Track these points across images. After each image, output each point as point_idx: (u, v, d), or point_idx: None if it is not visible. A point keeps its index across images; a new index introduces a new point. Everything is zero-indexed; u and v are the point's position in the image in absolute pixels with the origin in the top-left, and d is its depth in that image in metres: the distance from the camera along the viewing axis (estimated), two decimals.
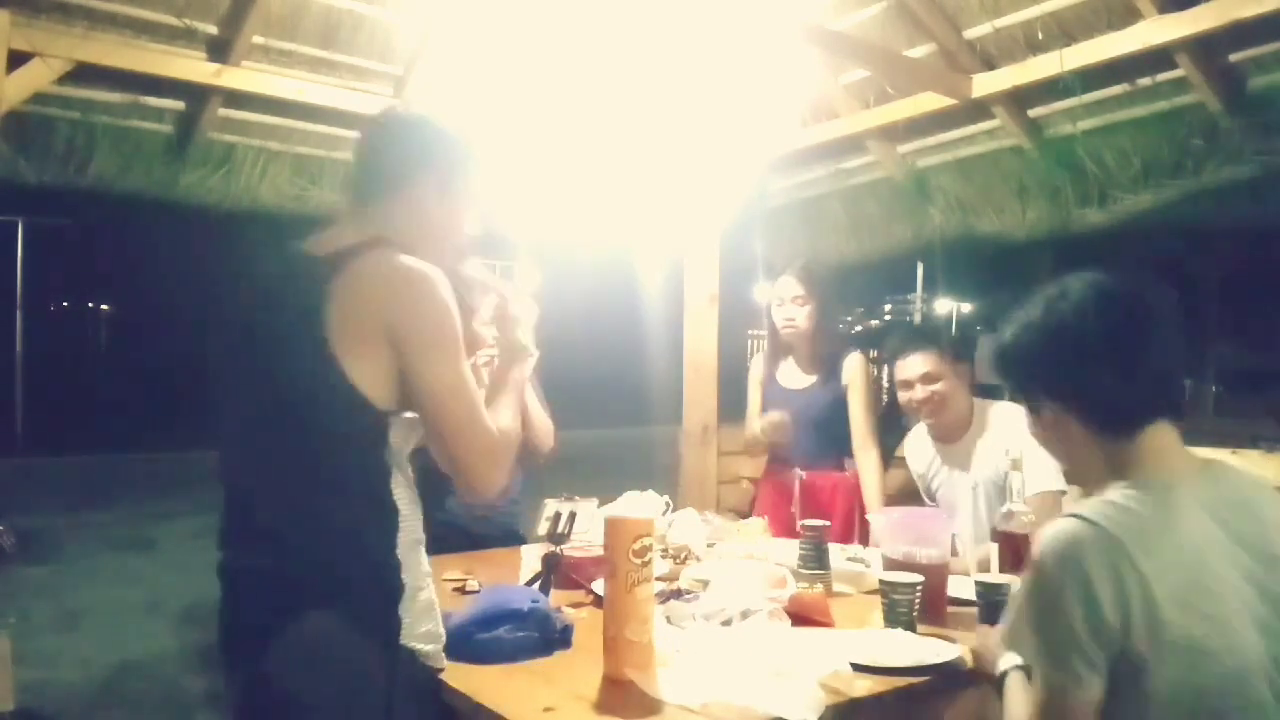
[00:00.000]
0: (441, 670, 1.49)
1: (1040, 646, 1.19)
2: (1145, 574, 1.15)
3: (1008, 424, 2.40)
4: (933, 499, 2.64)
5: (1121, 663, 1.17)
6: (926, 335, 2.71)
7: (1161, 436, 1.27)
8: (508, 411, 1.52)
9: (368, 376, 1.35)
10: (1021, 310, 1.38)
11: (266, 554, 1.38)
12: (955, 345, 2.53)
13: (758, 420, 3.03)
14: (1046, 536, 1.21)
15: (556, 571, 2.07)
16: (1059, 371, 1.32)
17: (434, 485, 1.60)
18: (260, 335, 1.42)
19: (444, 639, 1.50)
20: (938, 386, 2.48)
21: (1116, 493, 1.23)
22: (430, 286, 1.38)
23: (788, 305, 2.95)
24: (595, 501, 2.37)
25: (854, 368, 2.91)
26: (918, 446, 2.69)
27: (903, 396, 2.53)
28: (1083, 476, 1.38)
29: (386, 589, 1.39)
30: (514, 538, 2.74)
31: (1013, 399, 1.44)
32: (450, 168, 1.55)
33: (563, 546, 2.21)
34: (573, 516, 2.29)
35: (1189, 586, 1.17)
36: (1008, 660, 1.38)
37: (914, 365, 2.50)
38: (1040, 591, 1.19)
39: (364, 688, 1.36)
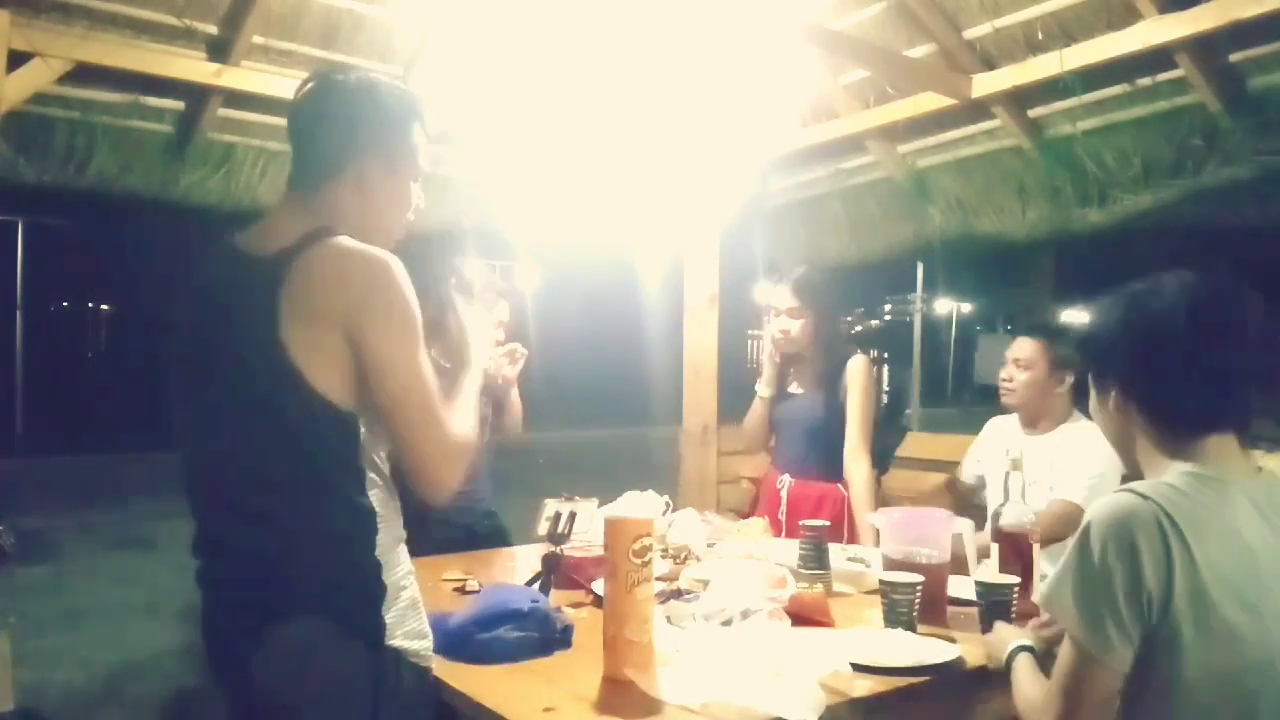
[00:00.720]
0: (429, 669, 1.47)
1: (1077, 608, 1.19)
2: (1194, 553, 1.16)
3: (1085, 444, 2.53)
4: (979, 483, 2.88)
5: (1156, 640, 1.17)
6: (1047, 329, 2.85)
7: (1222, 444, 1.28)
8: (464, 417, 1.45)
9: (328, 378, 1.30)
10: (1113, 297, 1.37)
11: (245, 563, 1.37)
12: (1067, 350, 2.64)
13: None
14: (1099, 505, 1.21)
15: (556, 571, 2.08)
16: (1135, 368, 1.32)
17: None
18: (215, 346, 1.37)
19: (430, 636, 1.47)
20: (1024, 375, 2.69)
21: (1173, 476, 1.24)
22: (384, 271, 1.32)
23: (782, 317, 2.85)
24: (595, 502, 2.37)
25: (856, 370, 2.84)
26: (999, 428, 2.88)
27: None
28: (1133, 465, 1.37)
29: (368, 592, 1.36)
30: (499, 534, 2.80)
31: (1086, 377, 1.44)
32: (393, 139, 1.45)
33: (562, 546, 2.21)
34: (573, 516, 2.29)
35: (1237, 574, 1.17)
36: (1015, 641, 1.41)
37: (1017, 347, 2.74)
38: (1085, 555, 1.19)
39: (350, 692, 1.34)
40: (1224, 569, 1.17)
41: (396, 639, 1.39)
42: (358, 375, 1.32)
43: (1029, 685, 1.36)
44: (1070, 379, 2.65)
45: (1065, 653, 1.23)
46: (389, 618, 1.38)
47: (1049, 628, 1.50)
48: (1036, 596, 1.32)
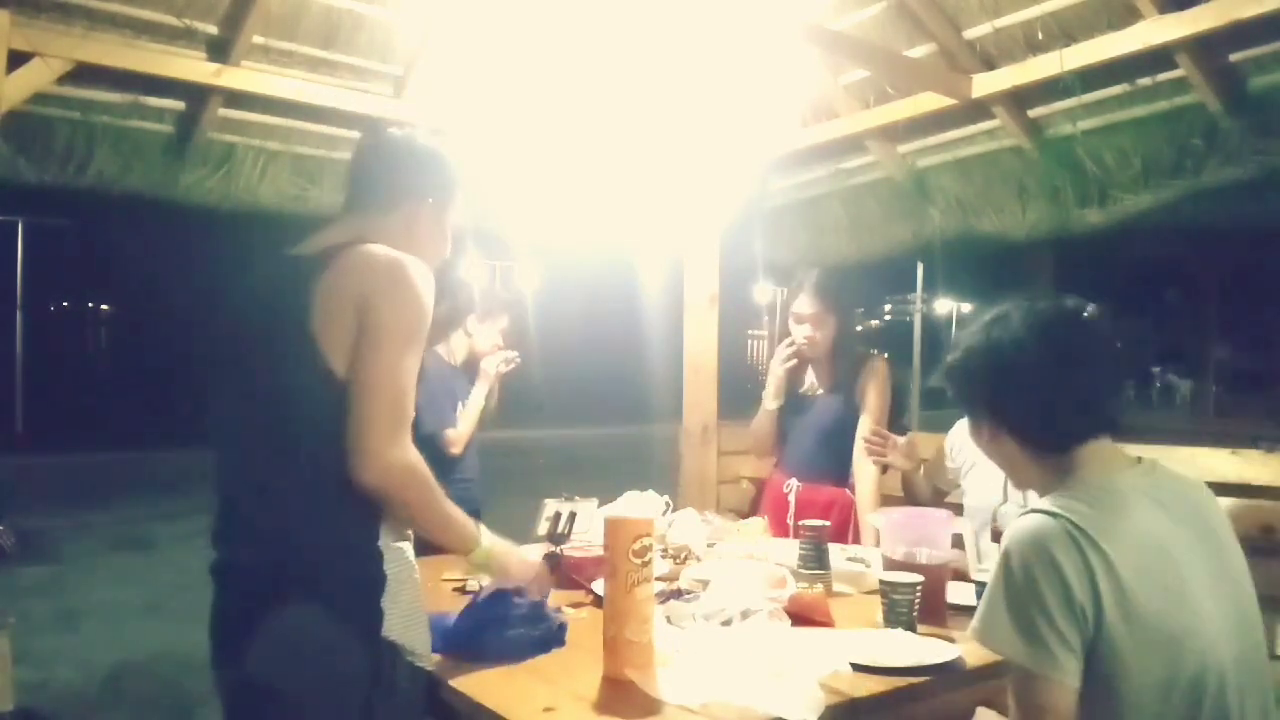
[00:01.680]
0: (425, 672, 1.48)
1: (1016, 632, 1.21)
2: (1108, 555, 1.20)
3: None
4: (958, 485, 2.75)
5: (1098, 652, 1.20)
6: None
7: (1098, 449, 1.34)
8: (408, 442, 1.43)
9: (344, 360, 1.38)
10: (966, 331, 1.45)
11: (252, 546, 1.42)
12: None
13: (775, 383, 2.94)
14: (1013, 530, 1.26)
15: (556, 571, 2.07)
16: (995, 395, 1.39)
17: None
18: (251, 333, 1.46)
19: (430, 639, 1.50)
20: None
21: (1069, 491, 1.29)
22: (406, 274, 1.42)
23: (806, 324, 2.82)
24: (595, 501, 2.37)
25: (874, 372, 2.83)
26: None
27: None
28: (1024, 483, 1.43)
29: (367, 577, 1.41)
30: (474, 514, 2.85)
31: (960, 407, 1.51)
32: (438, 190, 1.65)
33: (562, 546, 2.21)
34: (573, 516, 2.29)
35: (1152, 567, 1.22)
36: None
37: None
38: (1010, 580, 1.23)
39: (344, 677, 1.37)
40: (1139, 565, 1.21)
41: (394, 633, 1.41)
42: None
43: None
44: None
45: (1015, 684, 1.24)
46: (388, 610, 1.41)
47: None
48: (969, 633, 1.31)
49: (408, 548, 1.50)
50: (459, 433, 3.19)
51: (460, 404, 3.23)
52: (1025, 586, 1.20)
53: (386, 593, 1.41)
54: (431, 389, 3.02)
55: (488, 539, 1.59)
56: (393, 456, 1.38)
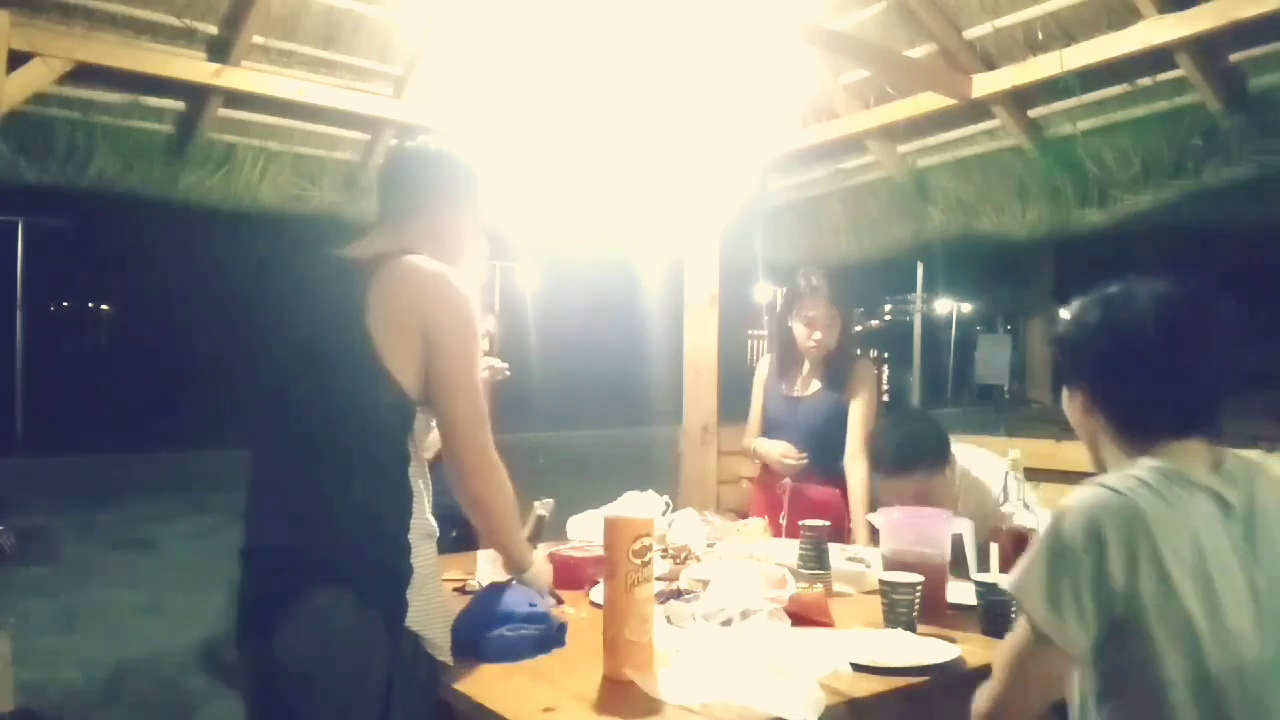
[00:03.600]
0: (445, 666, 1.52)
1: (1043, 589, 1.22)
2: (1159, 545, 1.19)
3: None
4: None
5: (1127, 636, 1.20)
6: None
7: (1185, 448, 1.29)
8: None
9: (402, 367, 1.48)
10: (1085, 301, 1.40)
11: (286, 532, 1.47)
12: None
13: (758, 426, 3.03)
14: (1072, 498, 1.25)
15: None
16: (1098, 375, 1.37)
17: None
18: (304, 328, 1.55)
19: (449, 635, 1.53)
20: None
21: (1141, 470, 1.26)
22: (460, 290, 1.55)
23: (818, 328, 2.86)
24: (551, 503, 2.30)
25: (863, 374, 2.87)
26: None
27: None
28: (1100, 463, 1.41)
29: (395, 567, 1.46)
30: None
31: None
32: (463, 196, 1.74)
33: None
34: (540, 520, 2.25)
35: (1197, 563, 1.20)
36: None
37: None
38: (1053, 541, 1.23)
39: (366, 663, 1.41)
40: (1189, 563, 1.20)
41: (418, 625, 1.46)
42: (424, 372, 1.51)
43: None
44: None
45: (1017, 632, 1.27)
46: (413, 601, 1.45)
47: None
48: (1007, 583, 1.34)
49: (432, 545, 1.54)
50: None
51: None
52: (1067, 557, 1.21)
53: (412, 585, 1.46)
54: None
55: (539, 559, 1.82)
56: (491, 464, 1.58)
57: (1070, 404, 1.42)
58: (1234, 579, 1.22)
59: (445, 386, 1.53)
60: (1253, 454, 2.67)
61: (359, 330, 1.47)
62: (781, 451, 2.88)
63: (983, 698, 1.31)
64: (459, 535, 2.92)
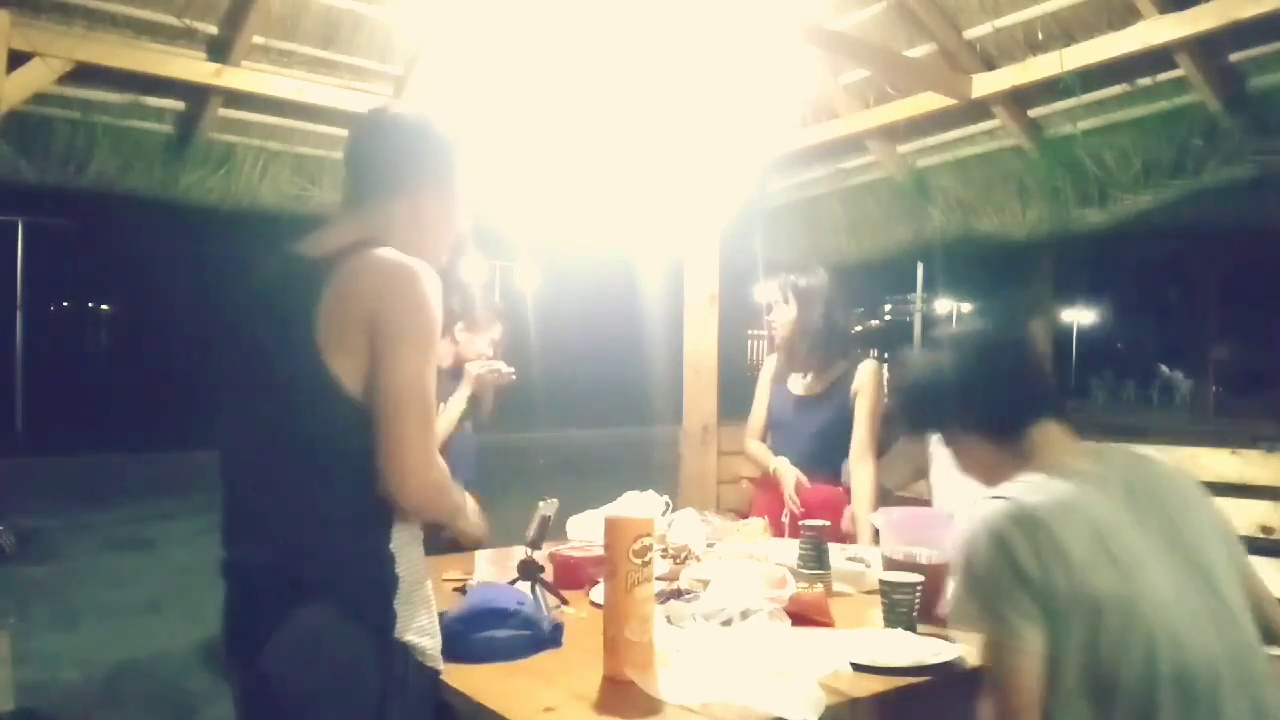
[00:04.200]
0: (437, 670, 1.48)
1: (979, 609, 1.36)
2: (1055, 532, 1.33)
3: None
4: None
5: (1058, 612, 1.31)
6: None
7: (1048, 431, 1.50)
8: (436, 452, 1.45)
9: (351, 372, 1.36)
10: (916, 369, 1.69)
11: (263, 549, 1.41)
12: None
13: (761, 425, 3.02)
14: (971, 521, 1.40)
15: (540, 581, 1.96)
16: (967, 398, 1.57)
17: None
18: (255, 335, 1.45)
19: (439, 638, 1.49)
20: None
21: (1026, 478, 1.44)
22: (415, 281, 1.39)
23: (773, 309, 2.97)
24: (556, 503, 2.28)
25: (867, 375, 2.86)
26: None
27: None
28: (994, 482, 1.54)
29: (380, 580, 1.40)
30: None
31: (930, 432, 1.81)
32: (447, 169, 1.57)
33: (534, 552, 2.09)
34: (545, 521, 2.24)
35: (1095, 539, 1.34)
36: None
37: None
38: (969, 561, 1.38)
39: (357, 678, 1.37)
40: (1087, 542, 1.33)
41: (407, 634, 1.41)
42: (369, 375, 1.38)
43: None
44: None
45: (985, 655, 1.38)
46: (400, 611, 1.40)
47: None
48: (949, 618, 1.46)
49: (418, 549, 1.49)
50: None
51: (443, 406, 3.17)
52: (981, 567, 1.36)
53: (399, 594, 1.40)
54: None
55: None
56: (431, 476, 1.39)
57: (957, 450, 1.62)
58: (1134, 549, 1.35)
59: (391, 394, 1.35)
60: (1254, 454, 2.67)
61: (304, 338, 1.35)
62: (793, 491, 2.85)
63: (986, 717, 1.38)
64: (453, 534, 2.93)
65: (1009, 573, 1.32)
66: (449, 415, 3.19)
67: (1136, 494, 1.42)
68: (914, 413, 1.73)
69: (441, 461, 1.42)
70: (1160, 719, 1.28)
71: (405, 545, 1.44)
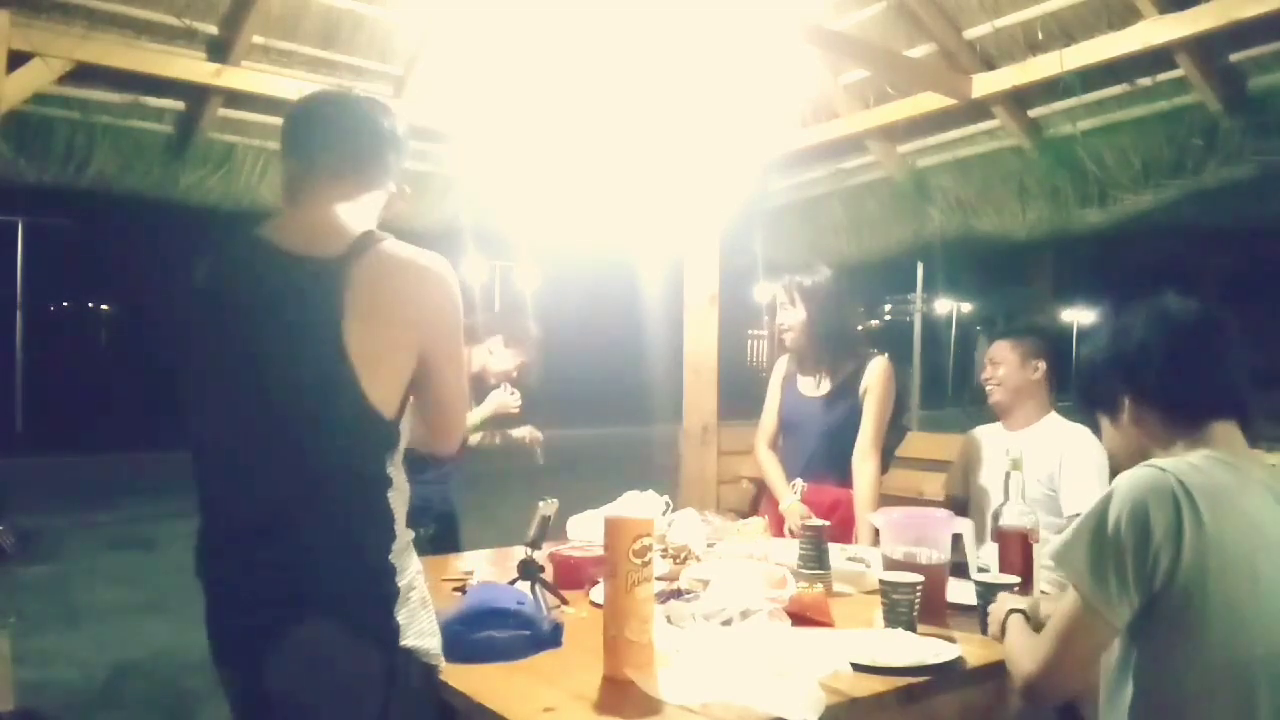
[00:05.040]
0: (438, 666, 1.47)
1: (1087, 564, 1.30)
2: (1203, 516, 1.26)
3: (1066, 438, 2.64)
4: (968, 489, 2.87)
5: (1166, 606, 1.27)
6: (1013, 330, 2.99)
7: (1228, 431, 1.41)
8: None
9: (383, 386, 1.35)
10: (1110, 324, 1.56)
11: (265, 563, 1.37)
12: (1032, 342, 2.78)
13: (773, 426, 3.00)
14: (1123, 477, 1.34)
15: (540, 581, 1.98)
16: (1149, 373, 1.45)
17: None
18: (260, 340, 1.37)
19: (439, 633, 1.49)
20: (1000, 370, 2.78)
21: (1194, 456, 1.36)
22: (452, 285, 1.44)
23: (780, 312, 2.93)
24: (556, 503, 2.28)
25: (877, 373, 2.83)
26: (982, 438, 2.91)
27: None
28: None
29: (383, 595, 1.38)
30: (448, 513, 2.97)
31: (1092, 410, 1.60)
32: (394, 158, 1.55)
33: (534, 552, 2.10)
34: (546, 521, 2.24)
35: (1244, 545, 1.27)
36: (1012, 604, 1.58)
37: (990, 351, 2.86)
38: (1101, 519, 1.31)
39: (364, 694, 1.36)
40: (1232, 538, 1.27)
41: (409, 639, 1.40)
42: (408, 383, 1.39)
43: (1019, 636, 1.49)
44: (1042, 366, 2.75)
45: (1067, 604, 1.34)
46: (401, 619, 1.39)
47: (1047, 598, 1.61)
48: (1049, 552, 1.42)
49: (413, 554, 1.47)
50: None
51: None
52: (1111, 532, 1.29)
53: (399, 604, 1.39)
54: None
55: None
56: (459, 440, 1.59)
57: (1114, 426, 1.50)
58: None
59: (440, 373, 1.42)
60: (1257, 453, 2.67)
61: (334, 351, 1.30)
62: (800, 519, 2.80)
63: (1027, 660, 1.39)
64: (436, 534, 2.93)
65: (1135, 547, 1.27)
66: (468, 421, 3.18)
67: None
68: (1095, 374, 1.54)
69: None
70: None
71: (402, 555, 1.42)
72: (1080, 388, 1.58)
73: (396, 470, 1.42)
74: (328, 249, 1.38)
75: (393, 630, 1.37)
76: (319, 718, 1.36)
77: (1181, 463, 1.33)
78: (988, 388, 2.86)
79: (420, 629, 1.43)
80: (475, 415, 3.14)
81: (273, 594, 1.35)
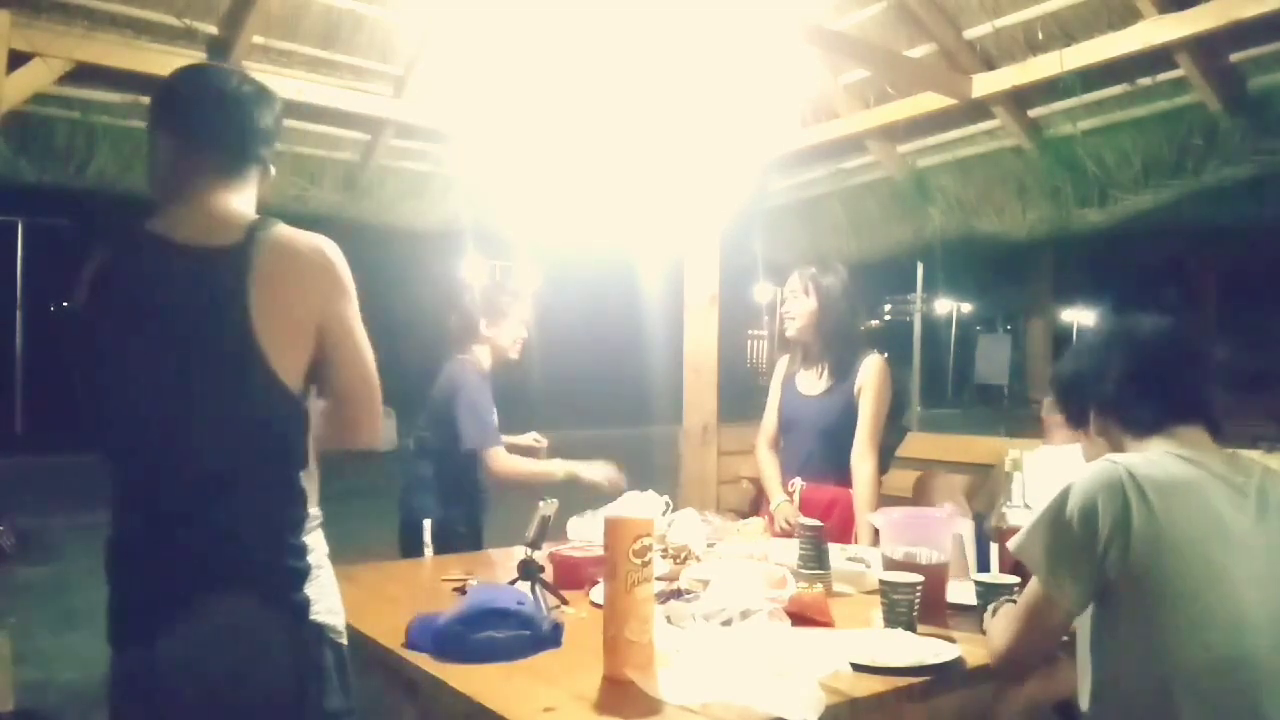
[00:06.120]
0: (343, 644, 1.50)
1: (1043, 555, 1.40)
2: (1154, 505, 1.33)
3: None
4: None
5: (1122, 590, 1.34)
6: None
7: (1192, 432, 1.46)
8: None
9: (291, 365, 1.39)
10: (1077, 345, 1.67)
11: (183, 543, 1.40)
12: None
13: (773, 425, 3.00)
14: (1081, 470, 1.41)
15: (540, 581, 1.98)
16: (1110, 381, 1.53)
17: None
18: (180, 335, 1.40)
19: (342, 612, 1.51)
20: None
21: (1152, 451, 1.43)
22: (341, 261, 1.48)
23: (789, 301, 2.91)
24: (556, 503, 2.28)
25: (871, 370, 2.83)
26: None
27: None
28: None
29: (294, 569, 1.42)
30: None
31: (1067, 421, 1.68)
32: (275, 129, 1.63)
33: (534, 552, 2.09)
34: (545, 521, 2.24)
35: (1201, 532, 1.32)
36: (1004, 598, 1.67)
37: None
38: (1055, 509, 1.40)
39: (276, 666, 1.39)
40: (1184, 528, 1.33)
41: (319, 615, 1.44)
42: (313, 361, 1.43)
43: (998, 617, 1.60)
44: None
45: (1029, 590, 1.46)
46: (311, 593, 1.43)
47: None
48: (1010, 545, 1.50)
49: (320, 533, 1.51)
50: (506, 464, 3.07)
51: (495, 411, 3.11)
52: (1064, 522, 1.37)
53: (310, 581, 1.44)
54: (472, 400, 2.96)
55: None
56: (381, 423, 1.53)
57: (1085, 436, 1.59)
58: (1253, 561, 1.32)
59: (352, 359, 1.46)
60: (1254, 454, 2.67)
61: (241, 332, 1.35)
62: (787, 520, 2.79)
63: (997, 638, 1.54)
64: (467, 532, 2.94)
65: (1084, 537, 1.35)
66: (535, 471, 3.16)
67: (1269, 506, 1.37)
68: (1066, 391, 1.64)
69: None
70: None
71: (313, 534, 1.48)
72: (1055, 402, 1.70)
73: (309, 452, 1.48)
74: (225, 238, 1.43)
75: (302, 603, 1.42)
76: (229, 690, 1.37)
77: (1135, 456, 1.41)
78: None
79: (329, 605, 1.47)
80: (582, 470, 3.19)
81: (186, 569, 1.39)
